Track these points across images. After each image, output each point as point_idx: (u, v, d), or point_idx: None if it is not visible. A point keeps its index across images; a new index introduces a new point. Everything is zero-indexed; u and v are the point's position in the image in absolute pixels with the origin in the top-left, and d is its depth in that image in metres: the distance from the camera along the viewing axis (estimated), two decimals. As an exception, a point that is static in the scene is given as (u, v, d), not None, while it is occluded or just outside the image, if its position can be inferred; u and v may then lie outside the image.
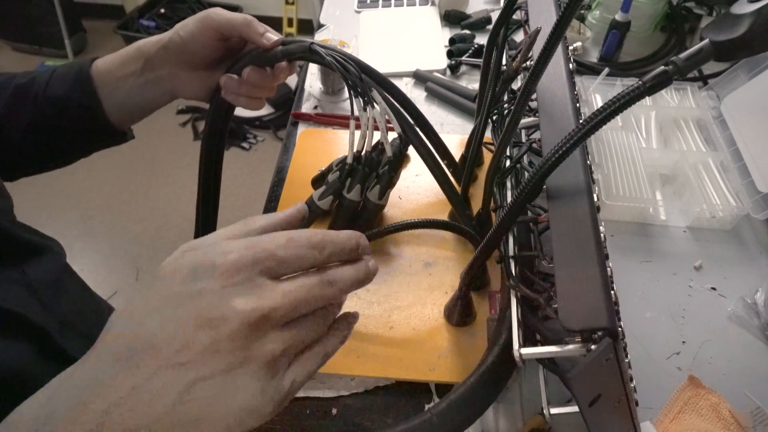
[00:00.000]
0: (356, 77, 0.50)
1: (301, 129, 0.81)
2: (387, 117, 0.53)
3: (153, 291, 0.26)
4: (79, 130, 0.50)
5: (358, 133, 0.56)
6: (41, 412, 0.24)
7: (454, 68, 0.92)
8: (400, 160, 0.62)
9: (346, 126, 0.81)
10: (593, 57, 0.95)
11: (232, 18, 0.47)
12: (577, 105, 0.47)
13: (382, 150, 0.60)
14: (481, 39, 0.98)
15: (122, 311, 0.27)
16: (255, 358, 0.26)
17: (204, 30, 0.47)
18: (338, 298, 0.29)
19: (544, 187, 0.40)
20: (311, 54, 0.49)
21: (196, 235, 0.58)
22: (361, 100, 0.51)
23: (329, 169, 0.65)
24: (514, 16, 0.58)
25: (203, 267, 0.26)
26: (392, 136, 0.61)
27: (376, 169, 0.60)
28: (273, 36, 0.48)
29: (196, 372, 0.25)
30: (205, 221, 0.57)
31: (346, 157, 0.59)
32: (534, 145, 0.51)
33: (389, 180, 0.59)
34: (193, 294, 0.26)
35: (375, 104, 0.51)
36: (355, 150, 0.58)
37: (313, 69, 0.91)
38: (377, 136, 0.57)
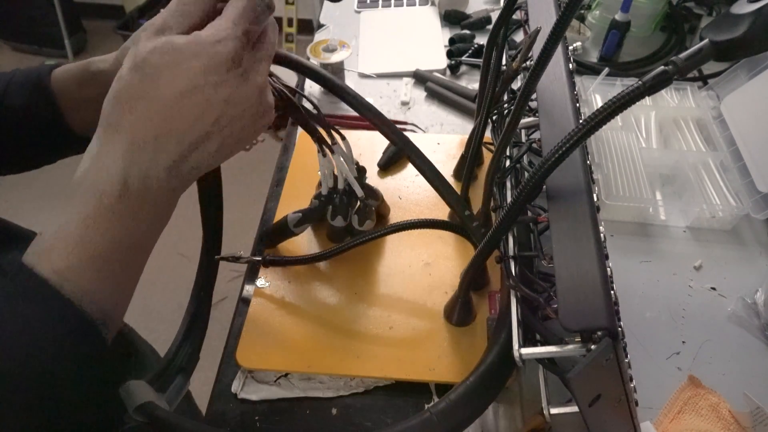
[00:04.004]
0: (303, 120, 0.51)
1: (301, 129, 0.81)
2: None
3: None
4: (41, 140, 0.49)
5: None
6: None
7: (454, 68, 0.92)
8: (374, 192, 0.63)
9: (346, 126, 0.81)
10: (593, 57, 0.95)
11: None
12: (577, 105, 0.47)
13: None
14: (481, 39, 0.98)
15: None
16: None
17: None
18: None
19: (544, 187, 0.40)
20: None
21: (206, 237, 0.57)
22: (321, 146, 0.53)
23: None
24: (514, 16, 0.58)
25: None
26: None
27: (354, 197, 0.60)
28: None
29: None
30: (214, 222, 0.56)
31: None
32: (534, 145, 0.51)
33: (365, 213, 0.60)
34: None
35: (332, 151, 0.53)
36: (330, 186, 0.58)
37: (313, 69, 0.91)
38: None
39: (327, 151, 0.54)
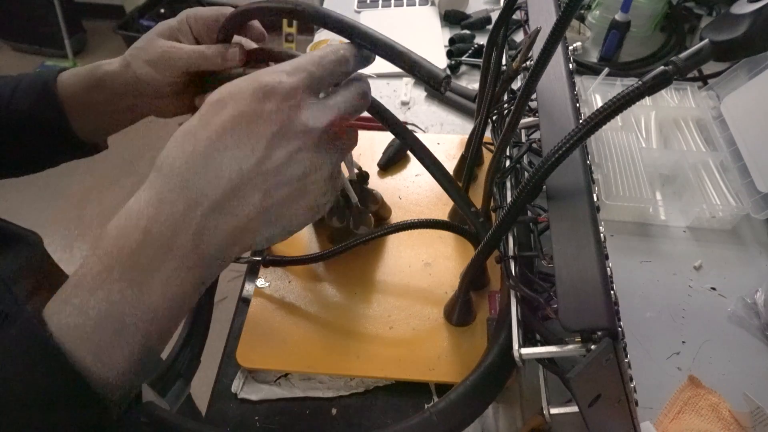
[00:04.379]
0: None
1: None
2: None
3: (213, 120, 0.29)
4: (46, 144, 0.49)
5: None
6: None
7: (454, 68, 0.92)
8: (374, 196, 0.63)
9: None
10: (593, 57, 0.95)
11: (194, 55, 0.44)
12: (577, 105, 0.47)
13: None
14: (481, 39, 0.98)
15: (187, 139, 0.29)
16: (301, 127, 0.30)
17: (163, 71, 0.44)
18: (349, 71, 0.33)
19: (544, 187, 0.40)
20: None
21: None
22: None
23: None
24: (514, 16, 0.58)
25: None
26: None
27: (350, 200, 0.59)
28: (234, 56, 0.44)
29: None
30: None
31: None
32: (534, 145, 0.51)
33: (362, 217, 0.59)
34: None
35: None
36: None
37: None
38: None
39: None
